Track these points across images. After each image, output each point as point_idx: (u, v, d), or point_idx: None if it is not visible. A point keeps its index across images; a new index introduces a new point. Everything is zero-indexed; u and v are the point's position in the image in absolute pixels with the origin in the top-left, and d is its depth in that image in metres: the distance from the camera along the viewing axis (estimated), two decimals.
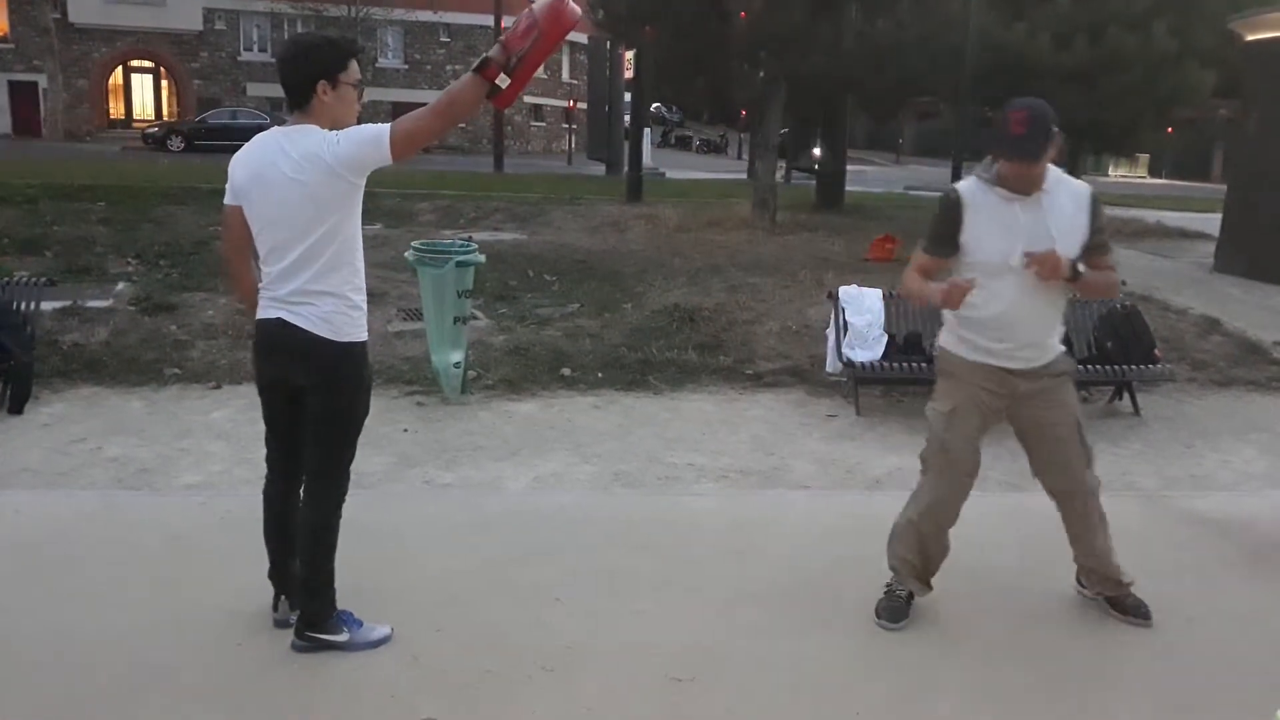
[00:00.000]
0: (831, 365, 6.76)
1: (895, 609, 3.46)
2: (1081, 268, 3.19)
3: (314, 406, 3.03)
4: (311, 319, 2.94)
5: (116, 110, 37.34)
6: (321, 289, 2.94)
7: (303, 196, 2.86)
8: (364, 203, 3.01)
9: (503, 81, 2.79)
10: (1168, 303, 9.54)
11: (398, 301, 8.31)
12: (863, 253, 11.88)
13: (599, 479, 5.15)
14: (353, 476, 3.17)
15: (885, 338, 6.70)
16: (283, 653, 3.14)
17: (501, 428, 5.89)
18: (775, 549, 4.13)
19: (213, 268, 8.96)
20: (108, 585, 3.58)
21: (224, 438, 5.51)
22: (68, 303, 7.43)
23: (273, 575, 3.28)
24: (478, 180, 20.28)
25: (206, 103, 34.80)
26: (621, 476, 5.20)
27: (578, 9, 2.84)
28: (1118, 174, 46.30)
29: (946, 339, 3.49)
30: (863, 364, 6.48)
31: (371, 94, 32.37)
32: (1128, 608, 3.56)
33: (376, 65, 36.94)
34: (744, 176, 26.21)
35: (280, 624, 3.25)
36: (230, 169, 3.01)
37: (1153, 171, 48.78)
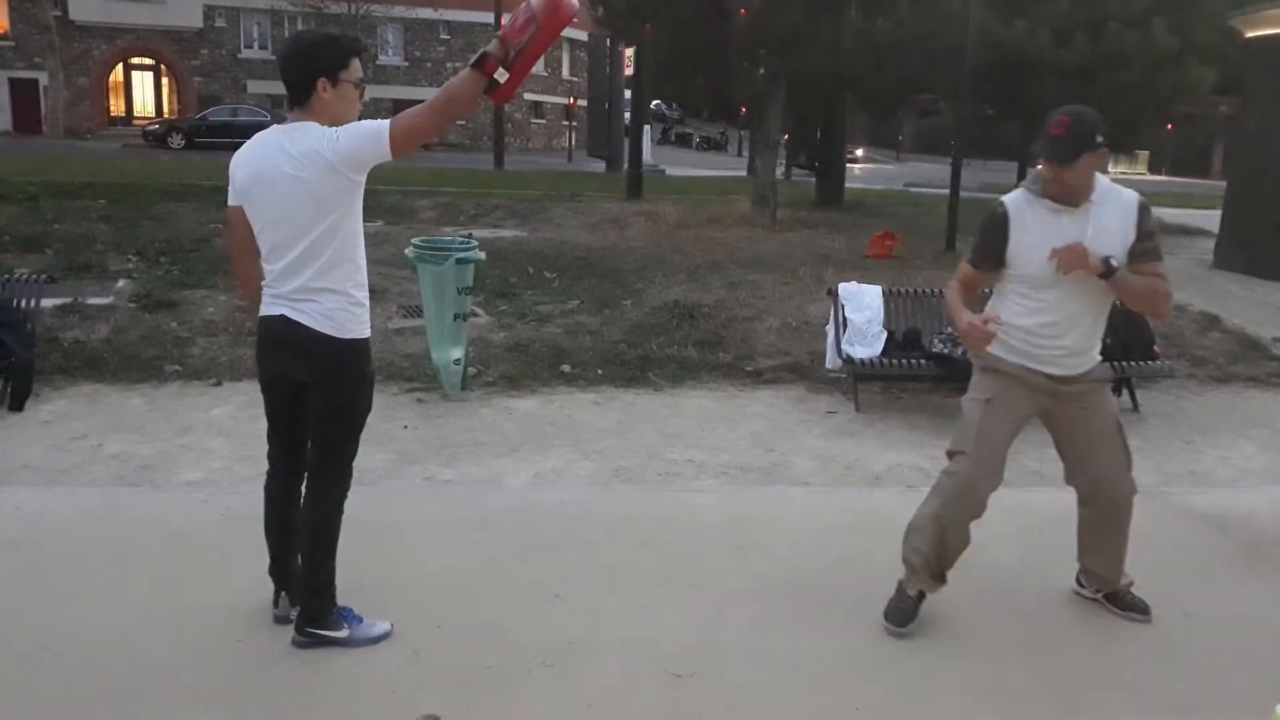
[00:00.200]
0: (831, 362, 6.77)
1: (903, 611, 3.39)
2: (1116, 263, 3.12)
3: (316, 403, 3.04)
4: (314, 316, 2.94)
5: (117, 108, 37.37)
6: (324, 286, 2.94)
7: (303, 193, 2.86)
8: (364, 200, 3.02)
9: (501, 76, 2.80)
10: None
11: (398, 298, 8.31)
12: (863, 249, 11.88)
13: (599, 475, 5.16)
14: (354, 473, 3.18)
15: (884, 334, 6.70)
16: (283, 649, 3.14)
17: (502, 424, 5.89)
18: (775, 545, 4.14)
19: (213, 265, 8.97)
20: (108, 582, 3.59)
21: (225, 434, 5.52)
22: (68, 300, 7.43)
23: (273, 571, 3.28)
24: (478, 177, 20.28)
25: (207, 100, 34.82)
26: (621, 473, 5.21)
27: (575, 3, 2.84)
28: (1117, 171, 46.28)
29: None
30: (862, 360, 6.48)
31: (372, 91, 32.37)
32: (1126, 603, 3.57)
33: (377, 62, 36.94)
34: (744, 173, 26.23)
35: (280, 620, 3.26)
36: (231, 169, 3.02)
37: (1152, 168, 48.77)
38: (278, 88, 3.48)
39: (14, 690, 2.92)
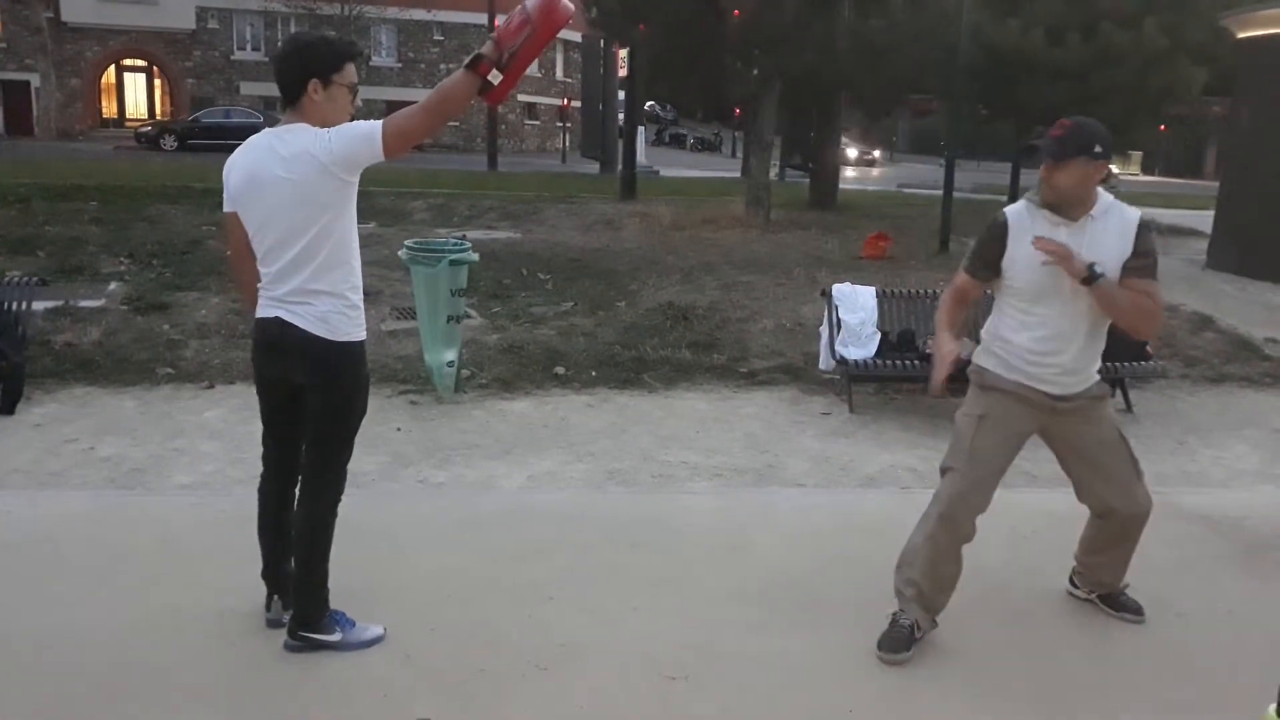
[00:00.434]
0: (825, 363, 6.77)
1: (897, 639, 3.26)
2: (1099, 270, 3.08)
3: (312, 405, 3.03)
4: (309, 318, 2.94)
5: (109, 109, 37.27)
6: (318, 288, 2.94)
7: (295, 195, 2.86)
8: (357, 201, 3.01)
9: (495, 78, 2.79)
10: None
11: (391, 300, 8.30)
12: (856, 251, 11.90)
13: (593, 477, 5.16)
14: (348, 476, 3.17)
15: (878, 335, 6.71)
16: (276, 653, 3.13)
17: (495, 426, 5.88)
18: (769, 547, 4.13)
19: (206, 267, 8.95)
20: (100, 586, 3.57)
21: (217, 437, 5.50)
22: (60, 302, 7.41)
23: (266, 575, 3.27)
24: (472, 179, 20.27)
25: (200, 102, 34.75)
26: (615, 475, 5.20)
27: (570, 5, 2.84)
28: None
29: (984, 358, 3.38)
30: (856, 362, 6.48)
31: (365, 92, 32.26)
32: (1120, 604, 3.57)
33: (370, 64, 36.88)
34: (738, 174, 26.23)
35: (273, 624, 3.25)
36: (225, 174, 3.01)
37: (1145, 169, 48.85)
38: (271, 89, 3.48)
39: (5, 692, 2.90)
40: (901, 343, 6.74)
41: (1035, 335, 3.23)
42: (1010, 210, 3.30)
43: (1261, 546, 4.32)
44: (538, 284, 9.54)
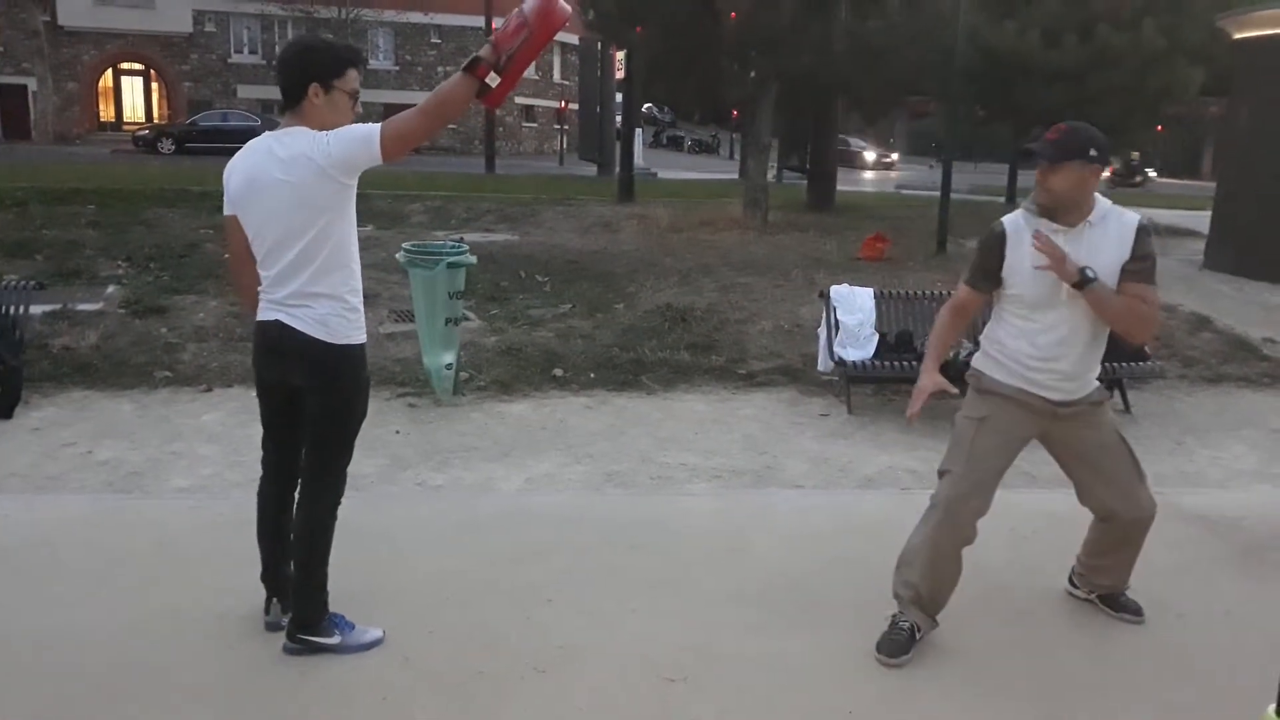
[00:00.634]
0: (823, 364, 6.77)
1: (896, 643, 3.25)
2: (1092, 274, 3.07)
3: (312, 408, 3.03)
4: (308, 321, 2.94)
5: (107, 113, 37.25)
6: (317, 291, 2.94)
7: (293, 198, 2.86)
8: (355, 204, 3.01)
9: (493, 80, 2.80)
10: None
11: (389, 303, 8.30)
12: (854, 252, 11.90)
13: (591, 479, 5.15)
14: (347, 479, 3.17)
15: (876, 337, 6.71)
16: (274, 656, 3.13)
17: (494, 429, 5.88)
18: (767, 548, 4.13)
19: (204, 270, 8.95)
20: (99, 590, 3.57)
21: (215, 441, 5.50)
22: (57, 306, 7.40)
23: (265, 578, 3.27)
24: (469, 181, 20.26)
25: (197, 105, 34.73)
26: (614, 477, 5.20)
27: (567, 8, 2.84)
28: (1107, 171, 46.37)
29: (983, 363, 3.37)
30: (854, 363, 6.49)
31: (362, 95, 32.28)
32: (1120, 605, 3.57)
33: (367, 67, 36.86)
34: (736, 176, 26.25)
35: (272, 627, 3.24)
36: (225, 177, 3.02)
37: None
38: (268, 93, 3.49)
39: (4, 696, 2.89)
40: (900, 344, 6.74)
41: (1036, 341, 3.22)
42: (1007, 219, 3.29)
43: (1259, 547, 4.32)
44: (536, 286, 9.54)
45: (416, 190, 16.58)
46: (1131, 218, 3.21)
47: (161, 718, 2.84)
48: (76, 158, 24.04)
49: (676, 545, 4.14)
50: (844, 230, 13.99)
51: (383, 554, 3.90)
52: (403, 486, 4.96)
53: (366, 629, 3.22)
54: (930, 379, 3.32)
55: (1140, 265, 3.16)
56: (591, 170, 26.67)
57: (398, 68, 38.61)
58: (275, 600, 3.26)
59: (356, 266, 3.05)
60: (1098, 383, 3.38)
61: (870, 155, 40.63)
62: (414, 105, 2.82)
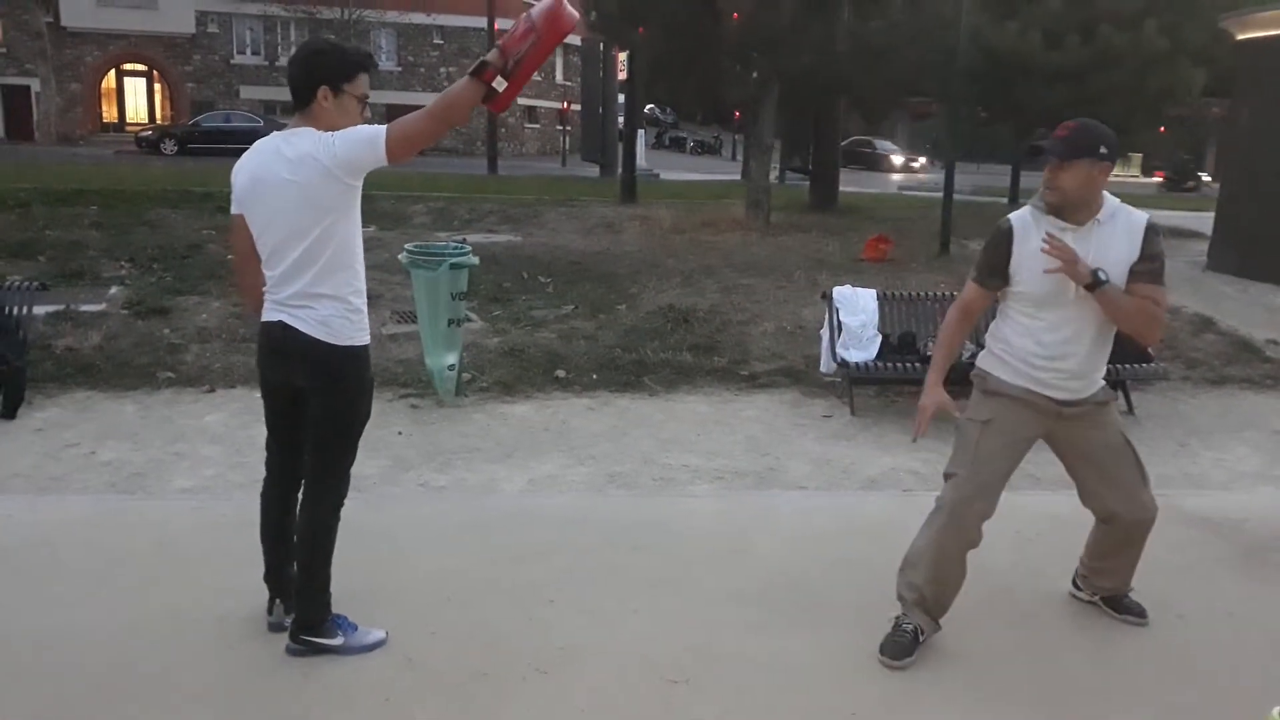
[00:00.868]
0: (826, 366, 6.77)
1: (899, 645, 3.23)
2: (1104, 276, 3.06)
3: (315, 409, 3.03)
4: (310, 322, 2.94)
5: (110, 114, 37.29)
6: (321, 292, 2.94)
7: (299, 198, 2.86)
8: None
9: (499, 85, 2.80)
10: None
11: (392, 304, 8.30)
12: (857, 253, 11.89)
13: (594, 480, 5.15)
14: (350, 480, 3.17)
15: (879, 338, 6.71)
16: (277, 656, 3.13)
17: (496, 430, 5.88)
18: (769, 550, 4.13)
19: (206, 271, 8.96)
20: (101, 590, 3.57)
21: (218, 442, 5.50)
22: (60, 307, 7.41)
23: (268, 578, 3.27)
24: (472, 182, 20.26)
25: (200, 106, 34.73)
26: (616, 478, 5.20)
27: (575, 13, 2.85)
28: (1158, 176, 46.18)
29: (989, 362, 3.36)
30: (857, 364, 6.48)
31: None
32: (1123, 607, 3.57)
33: None
34: (738, 177, 26.24)
35: (275, 628, 3.25)
36: (233, 176, 3.02)
37: (1145, 170, 48.83)
38: (271, 93, 3.49)
39: (5, 696, 2.90)
40: (902, 345, 6.74)
41: (1042, 340, 3.21)
42: (1014, 216, 3.28)
43: (1262, 548, 4.31)
44: (538, 287, 9.54)
45: (419, 191, 16.59)
46: (1140, 216, 3.19)
47: (162, 718, 2.84)
48: (79, 158, 24.06)
49: (679, 546, 4.13)
50: (846, 231, 13.99)
51: (385, 554, 3.90)
52: (405, 487, 4.96)
53: (369, 630, 3.22)
54: (933, 398, 3.29)
55: (1150, 265, 3.14)
56: (594, 171, 26.68)
57: (400, 69, 38.62)
58: (278, 601, 3.26)
59: (360, 268, 3.05)
60: (1103, 382, 3.37)
61: (898, 159, 40.53)
62: (416, 106, 2.83)
